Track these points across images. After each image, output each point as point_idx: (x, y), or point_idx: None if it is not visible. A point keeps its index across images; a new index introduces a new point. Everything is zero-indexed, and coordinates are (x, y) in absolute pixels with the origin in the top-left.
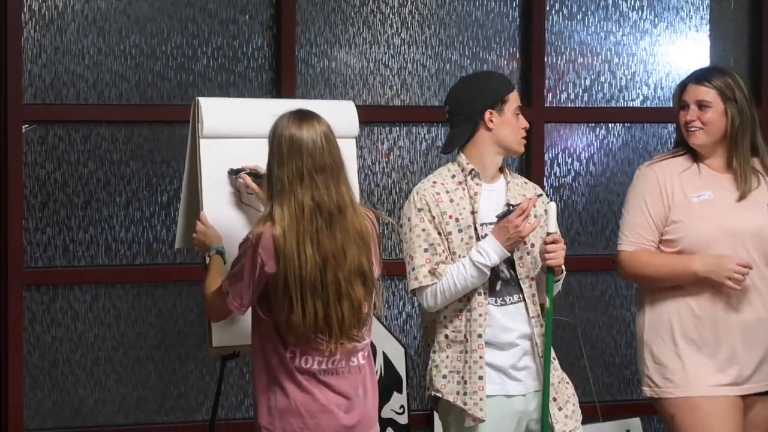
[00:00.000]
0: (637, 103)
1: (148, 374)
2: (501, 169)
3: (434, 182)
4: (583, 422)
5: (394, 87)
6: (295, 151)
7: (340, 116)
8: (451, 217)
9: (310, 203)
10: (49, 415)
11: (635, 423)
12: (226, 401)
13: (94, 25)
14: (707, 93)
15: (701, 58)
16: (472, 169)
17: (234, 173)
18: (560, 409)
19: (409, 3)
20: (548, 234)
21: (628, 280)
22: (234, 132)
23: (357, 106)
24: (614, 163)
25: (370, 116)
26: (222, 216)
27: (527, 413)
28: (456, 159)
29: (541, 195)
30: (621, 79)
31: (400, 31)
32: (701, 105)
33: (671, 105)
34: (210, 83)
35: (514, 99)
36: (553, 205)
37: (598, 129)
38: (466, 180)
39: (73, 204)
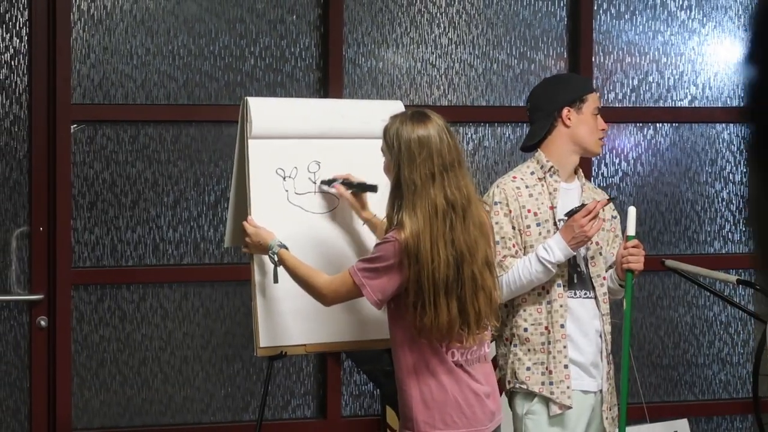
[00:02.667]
0: (685, 103)
1: (195, 374)
2: (576, 171)
3: (514, 177)
4: (630, 423)
5: (441, 87)
6: (425, 152)
7: (387, 116)
8: (530, 211)
9: (442, 202)
10: (96, 415)
11: (683, 424)
12: (272, 401)
13: (143, 25)
14: None
15: None
16: (552, 167)
17: (327, 183)
18: (610, 410)
19: (456, 2)
20: (629, 238)
21: None
22: (282, 132)
23: (405, 106)
24: (662, 163)
25: None
26: (270, 216)
27: (594, 411)
28: (535, 156)
29: (612, 199)
30: (669, 78)
31: (447, 30)
32: None
33: (719, 105)
34: (257, 83)
35: (593, 100)
36: (633, 209)
37: (645, 129)
38: (545, 177)
39: (121, 204)
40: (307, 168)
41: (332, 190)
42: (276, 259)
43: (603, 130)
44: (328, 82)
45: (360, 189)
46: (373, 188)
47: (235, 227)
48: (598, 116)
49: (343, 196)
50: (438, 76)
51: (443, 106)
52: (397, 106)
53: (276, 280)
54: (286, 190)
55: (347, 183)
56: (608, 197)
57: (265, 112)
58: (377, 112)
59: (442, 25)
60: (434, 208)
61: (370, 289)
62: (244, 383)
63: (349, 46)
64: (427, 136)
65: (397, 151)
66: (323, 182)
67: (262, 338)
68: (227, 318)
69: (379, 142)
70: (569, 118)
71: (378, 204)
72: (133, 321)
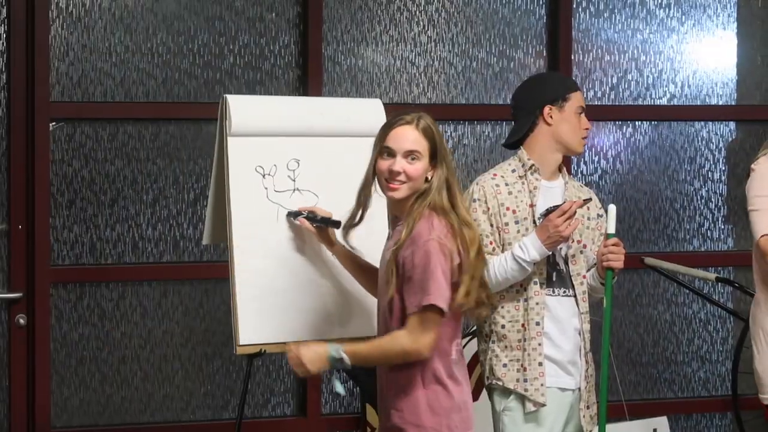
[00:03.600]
0: (664, 101)
1: (175, 372)
2: (560, 170)
3: (494, 175)
4: (609, 421)
5: (421, 85)
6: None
7: (367, 114)
8: (508, 209)
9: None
10: (75, 413)
11: (662, 422)
12: (252, 399)
13: (121, 22)
14: None
15: (729, 56)
16: (533, 164)
17: (293, 215)
18: (588, 407)
19: (435, 1)
20: (609, 236)
21: None
22: (262, 130)
23: (384, 104)
24: (641, 161)
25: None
26: (249, 213)
27: (573, 409)
28: (517, 154)
29: (589, 199)
30: (648, 77)
31: (426, 28)
32: None
33: (698, 103)
34: (237, 81)
35: (576, 99)
36: (613, 207)
37: (624, 127)
38: (526, 174)
39: (99, 202)
40: (286, 166)
41: (297, 223)
42: (347, 361)
43: (586, 129)
44: (308, 80)
45: (323, 224)
46: (336, 224)
47: (214, 225)
48: (582, 115)
49: (308, 231)
50: (417, 74)
51: (423, 104)
52: (376, 105)
53: (343, 391)
54: (266, 188)
55: (311, 217)
56: (583, 198)
57: (244, 109)
58: (356, 110)
59: (421, 23)
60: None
61: (442, 301)
62: (223, 381)
63: (329, 44)
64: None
65: (440, 143)
66: (289, 213)
67: (241, 336)
68: (207, 316)
69: (359, 140)
70: (551, 117)
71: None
72: (113, 319)
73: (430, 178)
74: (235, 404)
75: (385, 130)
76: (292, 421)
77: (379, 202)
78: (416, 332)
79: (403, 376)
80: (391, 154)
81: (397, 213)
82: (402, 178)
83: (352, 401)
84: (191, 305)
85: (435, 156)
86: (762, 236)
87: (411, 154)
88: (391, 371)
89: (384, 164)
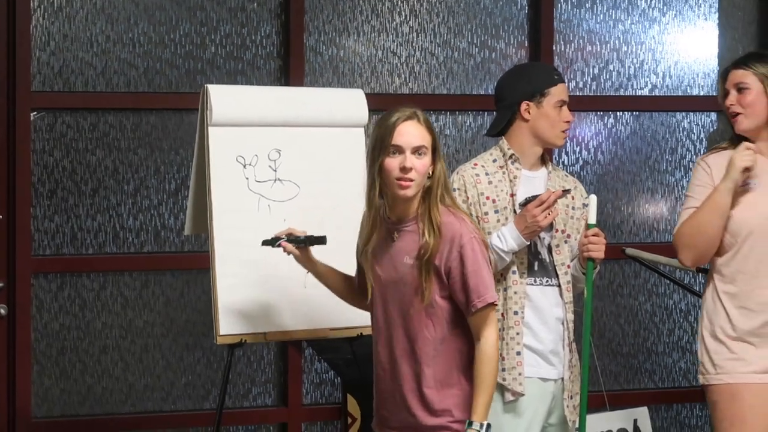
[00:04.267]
0: (645, 92)
1: (156, 362)
2: (543, 159)
3: (475, 164)
4: (591, 411)
5: (403, 75)
6: None
7: (348, 104)
8: (488, 198)
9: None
10: (56, 403)
11: (643, 412)
12: (233, 390)
13: (103, 12)
14: (745, 75)
15: (710, 47)
16: (513, 154)
17: (270, 243)
18: (571, 398)
19: None
20: (589, 226)
21: (688, 261)
22: (243, 120)
23: (365, 94)
24: (622, 151)
25: (378, 104)
26: (230, 203)
27: (556, 399)
28: (498, 144)
29: (569, 190)
30: (629, 67)
31: (408, 19)
32: (740, 88)
33: (679, 93)
34: (218, 71)
35: (556, 92)
36: (593, 197)
37: (606, 117)
38: (506, 164)
39: (81, 192)
40: (267, 156)
41: (278, 249)
42: (489, 423)
43: (567, 122)
44: (289, 70)
45: (308, 243)
46: (321, 240)
47: (195, 215)
48: (563, 108)
49: (292, 254)
50: (399, 65)
51: (404, 95)
52: (358, 95)
53: None
54: (247, 178)
55: (294, 239)
56: (564, 188)
57: (225, 99)
58: (338, 101)
59: (403, 14)
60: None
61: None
62: (204, 371)
63: (310, 34)
64: None
65: (437, 140)
66: (265, 242)
67: (222, 326)
68: (188, 306)
69: (340, 130)
70: (528, 112)
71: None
72: (94, 309)
73: (431, 172)
74: (215, 394)
75: (388, 127)
76: (273, 411)
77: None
78: (490, 330)
79: (451, 367)
80: (400, 151)
81: (402, 213)
82: (412, 174)
83: (333, 391)
84: (172, 295)
85: (436, 149)
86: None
87: (419, 150)
88: (428, 367)
89: (393, 162)
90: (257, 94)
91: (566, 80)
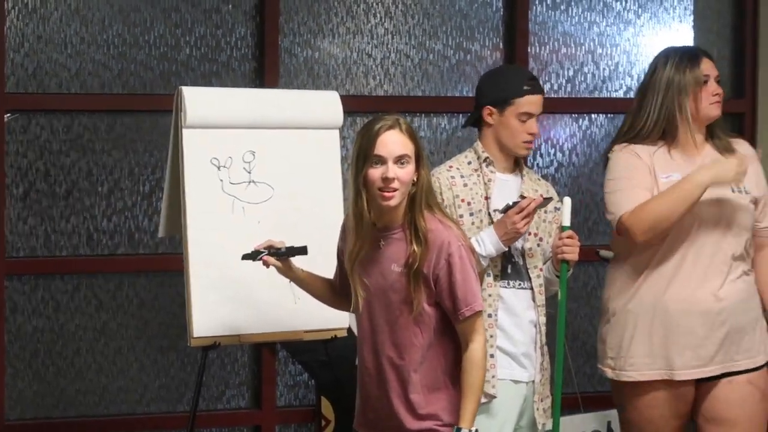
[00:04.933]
0: (620, 94)
1: (130, 365)
2: (517, 163)
3: (450, 167)
4: (564, 413)
5: (378, 77)
6: None
7: (323, 106)
8: (463, 200)
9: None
10: (29, 405)
11: (616, 414)
12: (207, 392)
13: (77, 14)
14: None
15: None
16: (487, 157)
17: (251, 257)
18: (542, 401)
19: None
20: (563, 228)
21: (643, 239)
22: (217, 122)
23: (340, 96)
24: (597, 154)
25: (353, 106)
26: (205, 205)
27: (527, 401)
28: (473, 146)
29: (550, 199)
30: (604, 69)
31: (383, 20)
32: (718, 81)
33: None
34: (193, 73)
35: (522, 104)
36: (568, 200)
37: (581, 120)
38: (481, 167)
39: (55, 194)
40: (242, 158)
41: (259, 263)
42: (478, 430)
43: (531, 134)
44: (264, 72)
45: (289, 254)
46: (302, 250)
47: (169, 217)
48: (530, 121)
49: (275, 266)
50: (374, 66)
51: (379, 96)
52: (332, 97)
53: None
54: (221, 180)
55: (275, 252)
56: (543, 197)
57: (199, 101)
58: (313, 102)
59: (378, 15)
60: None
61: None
62: (178, 374)
63: (285, 35)
64: None
65: (420, 146)
66: (245, 256)
67: (195, 328)
68: (162, 308)
69: (315, 132)
70: (491, 117)
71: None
72: (67, 311)
73: (416, 179)
74: (189, 397)
75: (371, 137)
76: (247, 414)
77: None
78: (478, 337)
79: (441, 368)
80: (382, 161)
81: (388, 221)
82: (395, 184)
83: (307, 393)
84: (146, 297)
85: (420, 157)
86: (624, 213)
87: (401, 159)
88: (415, 373)
89: (376, 173)
90: (232, 96)
91: (541, 82)
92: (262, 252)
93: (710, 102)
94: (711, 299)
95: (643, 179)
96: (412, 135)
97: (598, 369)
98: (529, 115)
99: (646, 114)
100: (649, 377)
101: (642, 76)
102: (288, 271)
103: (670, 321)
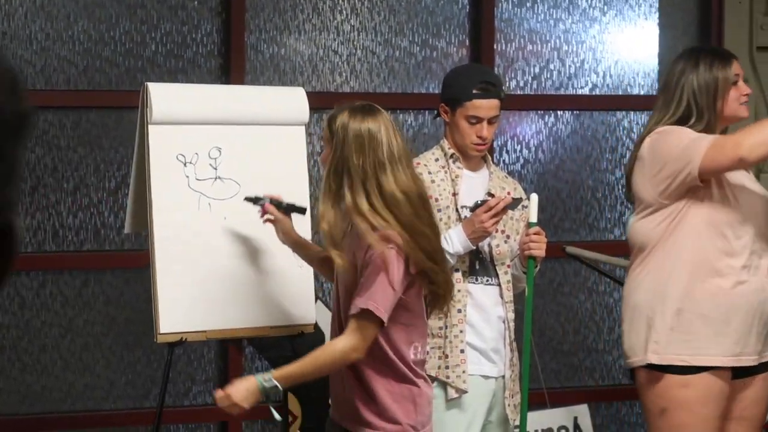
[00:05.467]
0: (585, 91)
1: (96, 361)
2: (485, 159)
3: (417, 163)
4: (531, 409)
5: (344, 73)
6: (374, 142)
7: (289, 103)
8: (431, 197)
9: (398, 190)
10: None
11: (583, 410)
12: (173, 388)
13: (42, 10)
14: None
15: (650, 46)
16: (453, 153)
17: (253, 201)
18: (512, 396)
19: None
20: (530, 225)
21: (749, 154)
22: (183, 118)
23: (306, 93)
24: (563, 150)
25: (319, 102)
26: (171, 201)
27: (496, 397)
28: (440, 143)
29: (520, 200)
30: (570, 66)
31: (349, 17)
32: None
33: (620, 93)
34: (159, 69)
35: (469, 107)
36: (534, 196)
37: (547, 116)
38: (448, 164)
39: (19, 190)
40: (208, 154)
41: (257, 208)
42: (279, 387)
43: (480, 137)
44: (230, 69)
45: (290, 210)
46: (302, 210)
47: (135, 213)
48: (480, 125)
49: (275, 216)
50: (340, 63)
51: (345, 93)
52: (299, 93)
53: (281, 416)
54: (187, 176)
55: (276, 203)
56: (513, 196)
57: (165, 97)
58: (279, 99)
59: (344, 12)
60: (392, 196)
61: (384, 309)
62: (145, 370)
63: (251, 32)
64: (377, 129)
65: (342, 140)
66: (248, 198)
67: (162, 324)
68: (128, 304)
69: (281, 128)
70: (446, 114)
71: None
72: (33, 308)
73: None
74: (156, 393)
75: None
76: (214, 410)
77: None
78: (350, 336)
79: (364, 371)
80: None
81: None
82: None
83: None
84: (112, 294)
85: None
86: (715, 139)
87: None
88: (349, 368)
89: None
90: (198, 92)
91: (506, 79)
92: (263, 199)
93: (740, 102)
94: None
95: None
96: (330, 123)
97: (627, 364)
98: (479, 119)
99: (671, 112)
100: (715, 362)
101: (608, 73)
102: (287, 230)
103: (736, 309)
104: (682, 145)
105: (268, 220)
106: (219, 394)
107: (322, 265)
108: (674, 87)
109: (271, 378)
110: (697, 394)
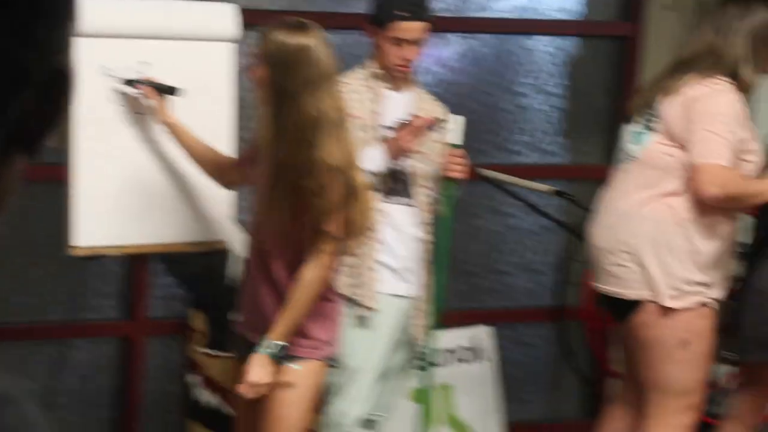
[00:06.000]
0: (507, 15)
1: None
2: (411, 80)
3: (343, 82)
4: (438, 328)
5: None
6: (303, 61)
7: (220, 18)
8: (354, 115)
9: (326, 111)
10: None
11: (486, 330)
12: (77, 302)
13: None
14: None
15: None
16: (378, 73)
17: (129, 83)
18: (423, 317)
19: None
20: (454, 146)
21: (714, 196)
22: (109, 31)
23: (239, 9)
24: (485, 73)
25: (250, 19)
26: (92, 115)
27: (408, 317)
28: (365, 61)
29: (441, 120)
30: None
31: None
32: None
33: (542, 17)
34: None
35: (394, 29)
36: (460, 119)
37: (468, 39)
38: (372, 83)
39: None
40: (133, 68)
41: (135, 92)
42: (283, 344)
43: (403, 58)
44: None
45: (162, 91)
46: (171, 90)
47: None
48: (403, 46)
49: (151, 98)
50: None
51: (275, 11)
52: (230, 9)
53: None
54: (110, 90)
55: (149, 83)
56: (434, 117)
57: (92, 9)
58: (209, 14)
59: None
60: (320, 118)
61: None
62: (50, 283)
63: None
64: (308, 46)
65: (270, 57)
66: (125, 81)
67: (76, 238)
68: (42, 219)
69: (212, 44)
70: (370, 33)
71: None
72: None
73: None
74: (61, 307)
75: None
76: (119, 324)
77: None
78: (324, 263)
79: (285, 288)
80: None
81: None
82: None
83: (179, 306)
84: (28, 206)
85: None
86: (717, 163)
87: None
88: (271, 285)
89: None
90: (125, 5)
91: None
92: (141, 81)
93: None
94: None
95: (733, 144)
96: (262, 41)
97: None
98: (403, 41)
99: (724, 59)
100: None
101: None
102: (163, 114)
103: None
104: (710, 132)
105: (147, 101)
106: (242, 389)
107: (214, 165)
108: (726, 33)
109: (271, 342)
110: (711, 323)
